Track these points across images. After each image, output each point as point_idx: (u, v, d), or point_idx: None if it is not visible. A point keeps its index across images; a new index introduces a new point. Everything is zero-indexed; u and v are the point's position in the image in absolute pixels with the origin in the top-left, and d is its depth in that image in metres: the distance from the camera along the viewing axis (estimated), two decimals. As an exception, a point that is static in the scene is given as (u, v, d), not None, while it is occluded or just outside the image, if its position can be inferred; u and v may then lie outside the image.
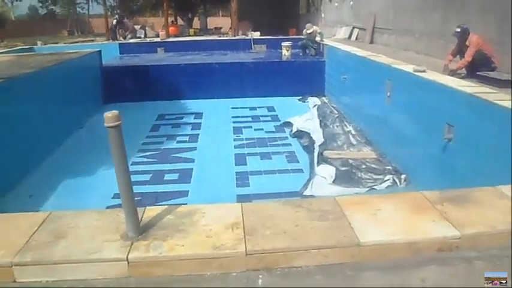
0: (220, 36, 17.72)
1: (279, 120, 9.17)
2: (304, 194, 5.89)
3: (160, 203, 5.77)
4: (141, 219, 2.06)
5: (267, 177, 6.49)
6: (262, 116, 9.66)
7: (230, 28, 18.27)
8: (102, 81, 10.90)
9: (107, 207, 5.44)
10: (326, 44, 11.24)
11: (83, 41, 19.76)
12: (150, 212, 2.15)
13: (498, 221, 1.91)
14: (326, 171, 6.39)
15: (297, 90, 10.86)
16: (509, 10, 6.72)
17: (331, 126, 8.63)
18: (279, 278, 1.73)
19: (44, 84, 7.58)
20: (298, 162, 7.00)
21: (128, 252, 1.82)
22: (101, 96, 10.83)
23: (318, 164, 6.72)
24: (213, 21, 30.13)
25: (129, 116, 9.55)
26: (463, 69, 6.85)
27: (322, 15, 16.55)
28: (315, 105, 10.00)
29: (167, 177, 6.63)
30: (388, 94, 6.93)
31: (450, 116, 5.18)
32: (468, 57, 6.50)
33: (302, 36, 12.08)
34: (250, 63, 11.17)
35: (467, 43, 6.58)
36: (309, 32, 11.69)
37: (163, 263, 1.79)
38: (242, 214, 2.05)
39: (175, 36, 18.30)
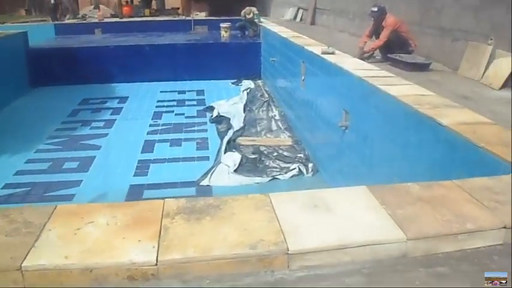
0: (175, 17, 17.06)
1: (205, 105, 8.75)
2: (201, 183, 5.54)
3: (47, 194, 5.42)
4: None
5: (170, 166, 6.13)
6: (188, 100, 9.24)
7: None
8: (28, 64, 10.28)
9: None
10: (261, 25, 10.81)
11: (33, 21, 18.85)
12: None
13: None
14: (231, 159, 6.04)
15: (231, 73, 10.42)
16: None
17: (256, 111, 8.28)
18: None
19: None
20: (208, 149, 6.63)
21: None
22: (27, 80, 10.24)
23: (226, 151, 6.36)
24: (174, 2, 29.21)
25: (52, 101, 9.39)
26: (378, 51, 6.53)
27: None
28: (246, 89, 9.60)
29: (66, 165, 6.21)
30: (303, 77, 6.57)
31: (347, 102, 4.85)
32: (383, 38, 6.18)
33: (241, 18, 11.58)
34: (183, 45, 10.68)
35: (383, 24, 6.25)
36: (248, 16, 11.21)
37: None
38: None
39: (130, 16, 17.65)
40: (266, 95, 9.16)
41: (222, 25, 11.41)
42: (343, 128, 4.85)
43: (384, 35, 6.18)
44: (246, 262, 1.46)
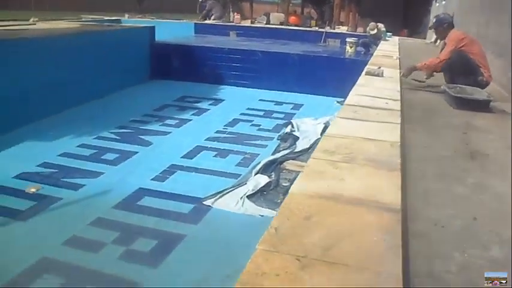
0: (306, 28, 16.50)
1: (290, 119, 8.01)
2: (204, 202, 4.87)
3: (64, 179, 5.28)
4: None
5: (193, 176, 5.58)
6: (278, 112, 8.54)
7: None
8: (151, 56, 10.68)
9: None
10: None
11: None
12: None
13: None
14: (254, 182, 5.26)
15: (342, 91, 9.32)
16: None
17: (337, 134, 7.27)
18: None
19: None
20: (247, 167, 5.90)
21: None
22: (147, 71, 10.66)
23: (259, 172, 5.58)
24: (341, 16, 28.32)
25: (156, 93, 9.59)
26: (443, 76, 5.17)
27: (431, 17, 14.57)
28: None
29: (106, 156, 6.09)
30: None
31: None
32: (442, 56, 4.85)
33: (367, 34, 10.52)
34: (296, 55, 9.99)
35: (446, 40, 4.92)
36: (372, 33, 10.13)
37: None
38: None
39: (296, 25, 17.54)
40: (364, 120, 8.06)
41: (348, 40, 10.48)
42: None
43: (444, 54, 4.80)
44: None
